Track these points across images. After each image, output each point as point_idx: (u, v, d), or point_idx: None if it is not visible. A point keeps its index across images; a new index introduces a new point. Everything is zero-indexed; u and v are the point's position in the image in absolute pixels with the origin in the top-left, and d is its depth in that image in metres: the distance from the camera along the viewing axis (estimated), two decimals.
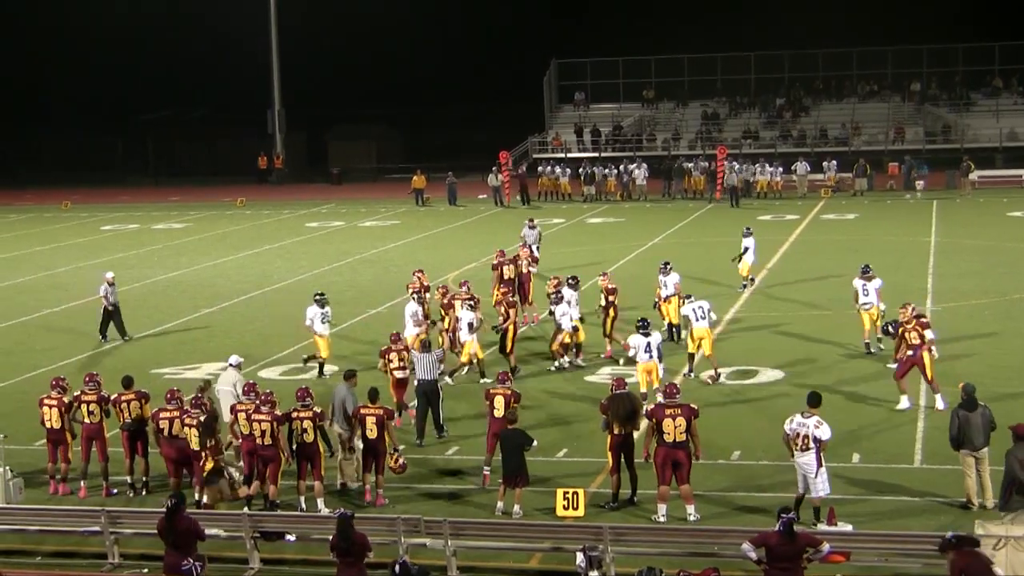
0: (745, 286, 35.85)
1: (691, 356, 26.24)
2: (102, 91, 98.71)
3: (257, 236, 53.65)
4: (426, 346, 23.19)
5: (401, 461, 19.50)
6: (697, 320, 25.85)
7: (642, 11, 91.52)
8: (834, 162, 64.74)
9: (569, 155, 74.46)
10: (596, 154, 75.01)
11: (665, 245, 45.68)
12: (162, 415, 19.66)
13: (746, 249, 35.60)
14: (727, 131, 77.49)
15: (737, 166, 62.16)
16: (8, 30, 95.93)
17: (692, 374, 26.14)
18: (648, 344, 23.73)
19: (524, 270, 31.97)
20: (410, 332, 26.10)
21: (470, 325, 26.28)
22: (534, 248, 36.40)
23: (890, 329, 26.09)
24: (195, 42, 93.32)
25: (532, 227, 39.13)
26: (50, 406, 20.35)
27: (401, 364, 23.24)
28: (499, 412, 19.60)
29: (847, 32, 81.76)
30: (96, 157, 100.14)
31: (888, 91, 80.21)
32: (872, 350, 27.58)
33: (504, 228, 53.40)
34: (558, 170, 66.10)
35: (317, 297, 27.52)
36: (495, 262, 32.00)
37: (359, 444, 19.61)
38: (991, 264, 39.33)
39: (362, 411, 19.36)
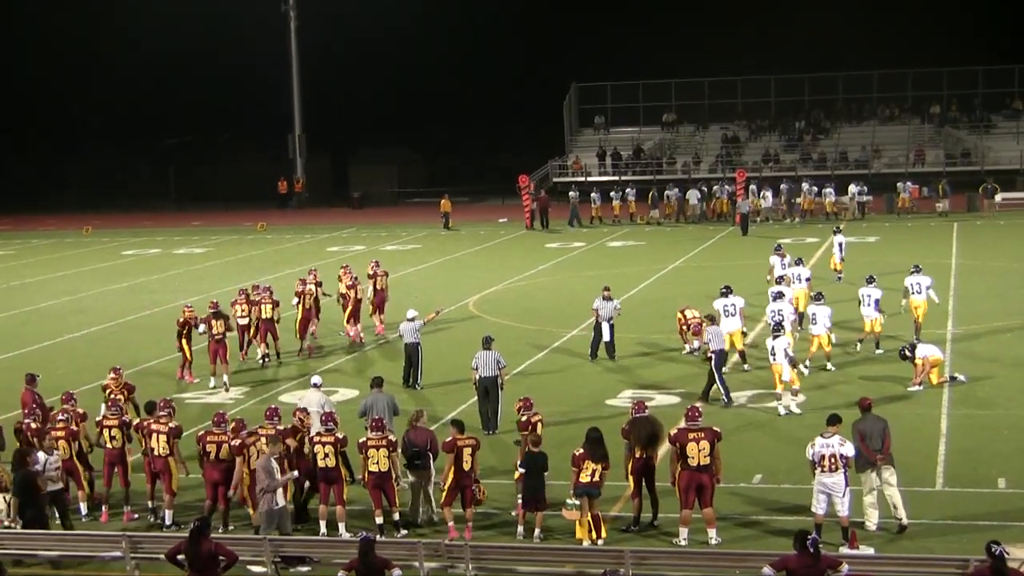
0: (839, 279, 39.44)
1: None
2: (125, 116, 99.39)
3: (278, 260, 53.78)
4: (487, 343, 24.53)
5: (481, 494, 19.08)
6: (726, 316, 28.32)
7: (662, 35, 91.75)
8: (830, 188, 62.26)
9: (589, 179, 74.62)
10: (616, 177, 75.15)
11: (686, 268, 45.64)
12: (209, 439, 19.50)
13: (838, 246, 40.18)
14: (747, 154, 77.54)
15: (754, 188, 62.51)
16: (33, 55, 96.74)
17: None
18: None
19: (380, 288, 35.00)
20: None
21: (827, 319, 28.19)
22: (605, 328, 30.15)
23: (907, 353, 26.17)
24: (218, 68, 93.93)
25: (607, 299, 30.50)
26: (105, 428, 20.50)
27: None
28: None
29: (867, 55, 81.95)
30: (119, 182, 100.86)
31: (908, 114, 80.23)
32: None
33: (525, 252, 53.55)
34: (571, 194, 65.91)
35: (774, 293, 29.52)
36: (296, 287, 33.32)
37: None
38: (1013, 286, 39.17)
39: (457, 442, 18.68)
